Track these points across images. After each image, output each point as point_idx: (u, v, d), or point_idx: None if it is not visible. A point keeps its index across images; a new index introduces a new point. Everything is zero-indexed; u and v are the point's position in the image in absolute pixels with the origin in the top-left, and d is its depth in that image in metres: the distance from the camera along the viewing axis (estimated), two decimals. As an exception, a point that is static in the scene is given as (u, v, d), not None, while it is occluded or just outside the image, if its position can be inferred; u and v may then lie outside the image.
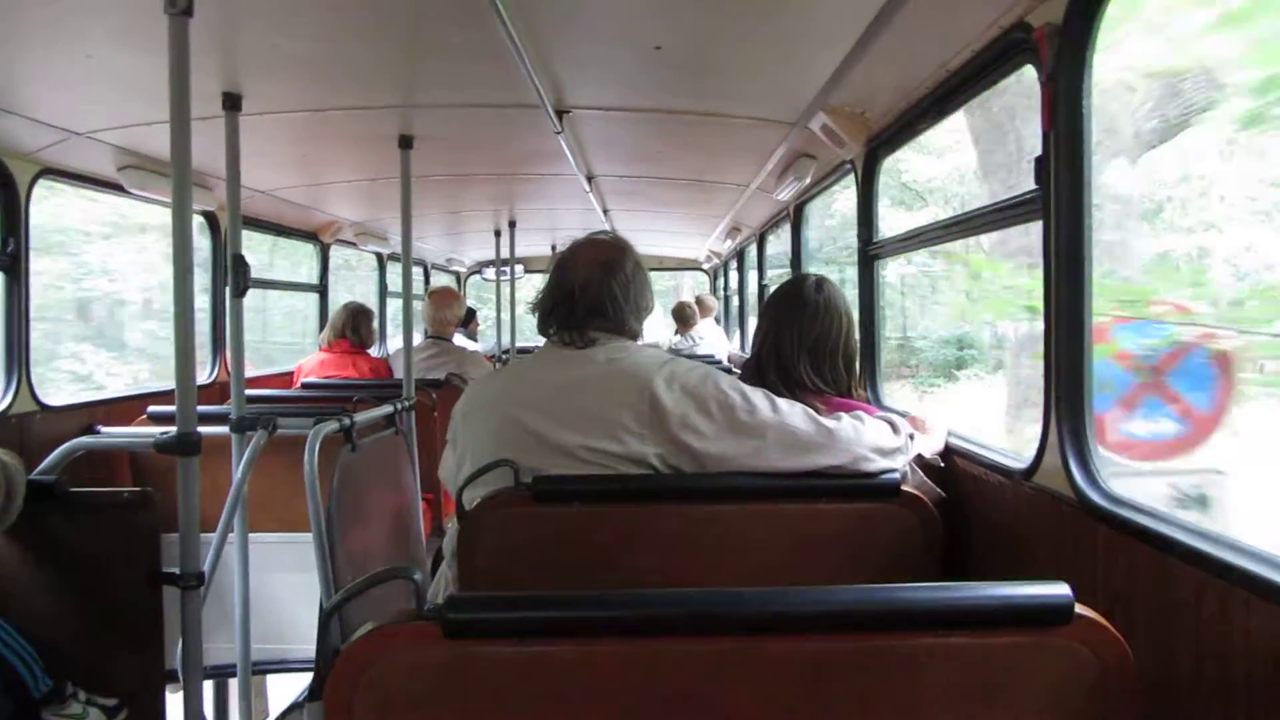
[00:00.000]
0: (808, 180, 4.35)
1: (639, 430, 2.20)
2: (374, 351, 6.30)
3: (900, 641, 1.34)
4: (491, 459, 2.23)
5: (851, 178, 3.87)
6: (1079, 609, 1.30)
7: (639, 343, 2.43)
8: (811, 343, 2.70)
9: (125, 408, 4.22)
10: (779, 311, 2.78)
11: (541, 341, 2.47)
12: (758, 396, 2.25)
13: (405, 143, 3.91)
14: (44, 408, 3.81)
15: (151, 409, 4.00)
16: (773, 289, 3.03)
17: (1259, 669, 1.47)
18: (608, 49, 2.93)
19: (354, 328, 5.85)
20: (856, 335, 2.82)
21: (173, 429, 2.34)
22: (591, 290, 2.34)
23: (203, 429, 2.37)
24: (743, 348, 8.76)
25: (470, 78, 3.12)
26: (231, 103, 3.15)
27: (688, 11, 2.59)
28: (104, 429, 3.78)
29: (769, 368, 2.73)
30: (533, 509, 2.16)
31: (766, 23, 2.63)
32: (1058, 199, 2.05)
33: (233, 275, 3.12)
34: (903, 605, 1.35)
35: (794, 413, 2.26)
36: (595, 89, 3.39)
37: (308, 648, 3.51)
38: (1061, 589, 1.31)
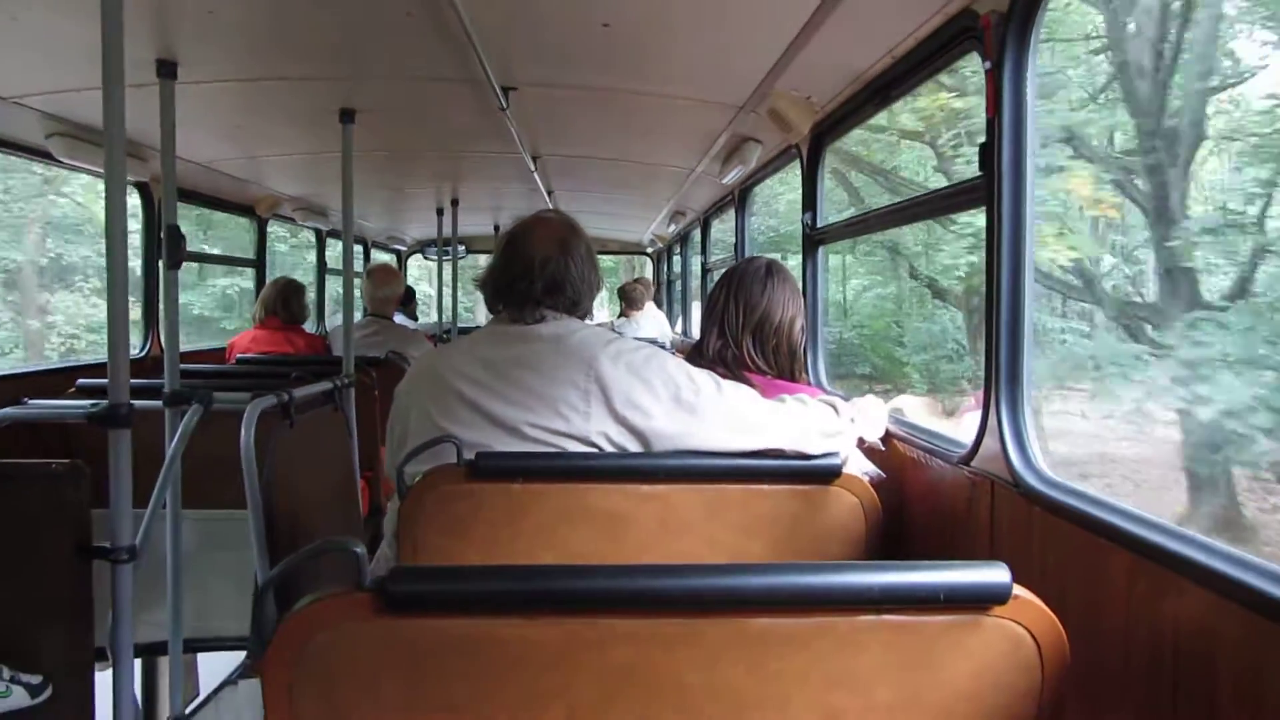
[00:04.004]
0: (753, 164, 4.37)
1: (584, 408, 2.19)
2: (310, 328, 6.20)
3: (842, 619, 1.35)
4: (434, 435, 2.21)
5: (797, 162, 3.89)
6: (1016, 590, 1.33)
7: (584, 322, 2.43)
8: (756, 322, 2.72)
9: (54, 380, 4.10)
10: (726, 290, 2.79)
11: (480, 322, 2.46)
12: (702, 377, 2.26)
13: (346, 116, 3.84)
14: None
15: (81, 381, 3.90)
16: (716, 274, 3.04)
17: (1187, 649, 1.52)
18: (555, 25, 2.90)
19: (284, 303, 5.73)
20: (802, 323, 2.84)
21: (104, 401, 2.28)
22: (550, 268, 2.32)
23: (135, 403, 2.32)
24: (685, 332, 8.78)
25: (415, 50, 3.08)
26: (167, 70, 3.06)
27: None
28: (32, 401, 3.67)
29: (711, 345, 2.76)
30: (474, 486, 2.14)
31: (714, 5, 2.63)
32: (1000, 186, 2.08)
33: (167, 247, 3.04)
34: (845, 584, 1.37)
35: (738, 394, 2.27)
36: (541, 66, 3.36)
37: (240, 625, 3.45)
38: (1000, 570, 1.34)
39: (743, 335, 2.72)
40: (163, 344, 3.24)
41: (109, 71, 2.24)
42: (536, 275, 2.32)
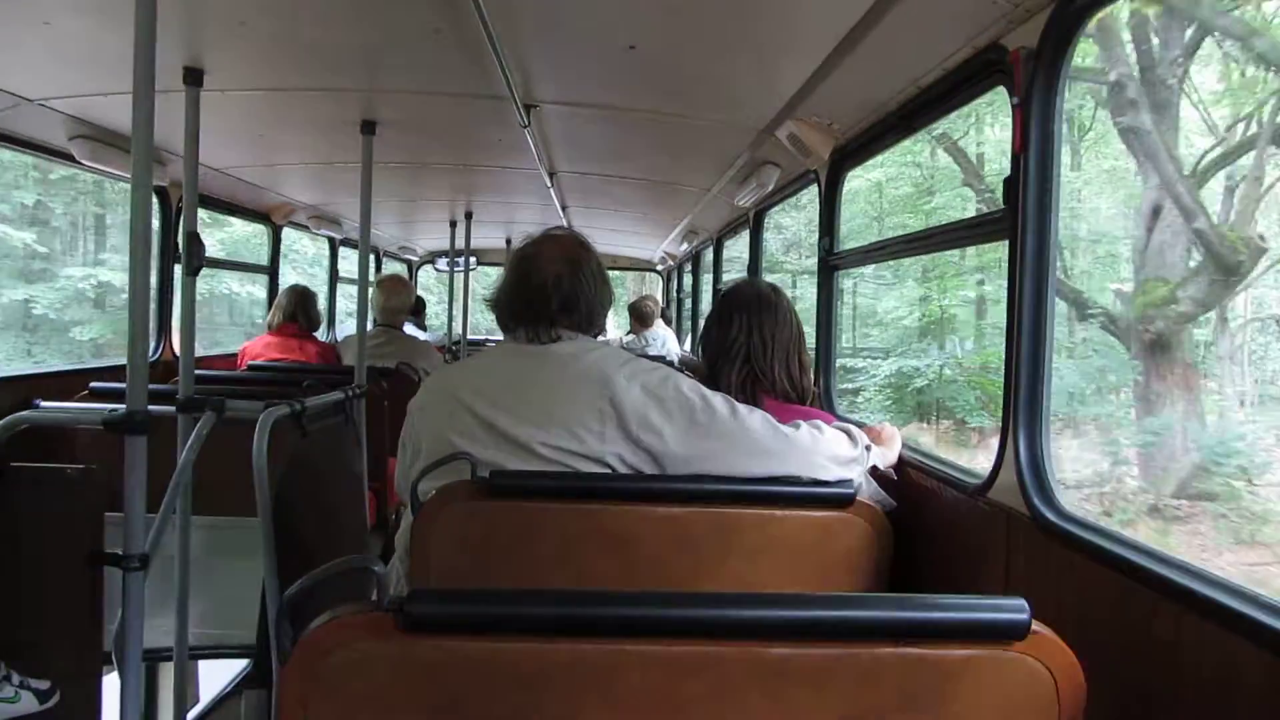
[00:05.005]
0: (770, 187, 4.37)
1: (598, 429, 2.19)
2: (321, 336, 6.21)
3: (859, 651, 1.35)
4: (448, 451, 2.21)
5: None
6: (1035, 626, 1.33)
7: (598, 340, 2.43)
8: (785, 348, 2.70)
9: (65, 382, 4.11)
10: (750, 315, 2.72)
11: (490, 334, 2.47)
12: (718, 400, 2.26)
13: (368, 128, 3.86)
14: None
15: (95, 385, 3.90)
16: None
17: (1208, 690, 1.51)
18: (581, 45, 2.92)
19: (304, 310, 5.76)
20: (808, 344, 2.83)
21: (117, 406, 2.28)
22: (564, 287, 2.33)
23: (150, 408, 2.32)
24: (694, 351, 8.77)
25: (439, 64, 3.09)
26: (193, 78, 3.08)
27: (664, 14, 2.59)
28: (45, 404, 3.67)
29: (735, 371, 2.69)
30: (488, 504, 2.14)
31: (741, 30, 2.64)
32: (1025, 220, 2.08)
33: (186, 253, 3.04)
34: (863, 616, 1.37)
35: (753, 418, 2.26)
36: (565, 84, 3.38)
37: (244, 633, 3.44)
38: (1019, 605, 1.33)
39: (773, 362, 2.68)
40: (176, 350, 3.24)
41: (139, 78, 2.25)
42: (551, 294, 2.33)
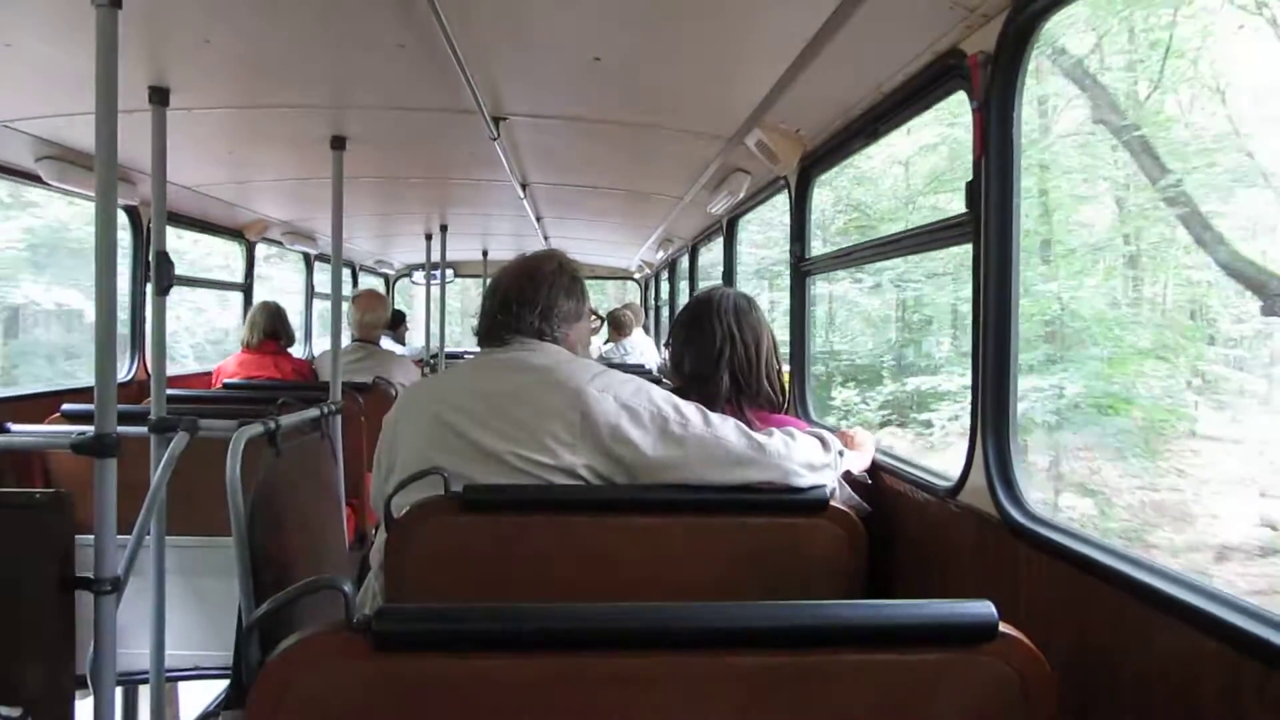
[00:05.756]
0: (741, 194, 4.39)
1: (570, 440, 2.19)
2: (296, 353, 6.18)
3: (828, 658, 1.36)
4: (422, 465, 2.21)
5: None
6: (1002, 627, 1.34)
7: (570, 353, 2.43)
8: (765, 357, 2.70)
9: (35, 406, 4.07)
10: (733, 325, 2.70)
11: (469, 349, 2.51)
12: (690, 410, 2.26)
13: (338, 143, 3.85)
14: None
15: (66, 407, 3.87)
16: None
17: (1173, 688, 1.52)
18: (547, 57, 2.92)
19: (280, 327, 5.74)
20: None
21: (88, 428, 2.27)
22: (513, 292, 2.43)
23: (121, 429, 2.30)
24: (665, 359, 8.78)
25: (406, 80, 3.09)
26: (159, 97, 3.07)
27: (627, 25, 2.60)
28: (14, 427, 3.65)
29: (722, 381, 2.67)
30: (462, 518, 2.14)
31: (705, 38, 2.65)
32: (987, 223, 2.10)
33: (156, 272, 3.03)
34: (831, 622, 1.37)
35: (726, 427, 2.27)
36: (532, 97, 3.38)
37: (223, 654, 3.42)
38: (985, 607, 1.34)
39: (760, 372, 2.68)
40: (149, 369, 3.22)
41: (103, 99, 2.24)
42: (509, 299, 2.42)
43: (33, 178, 3.98)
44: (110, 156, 2.27)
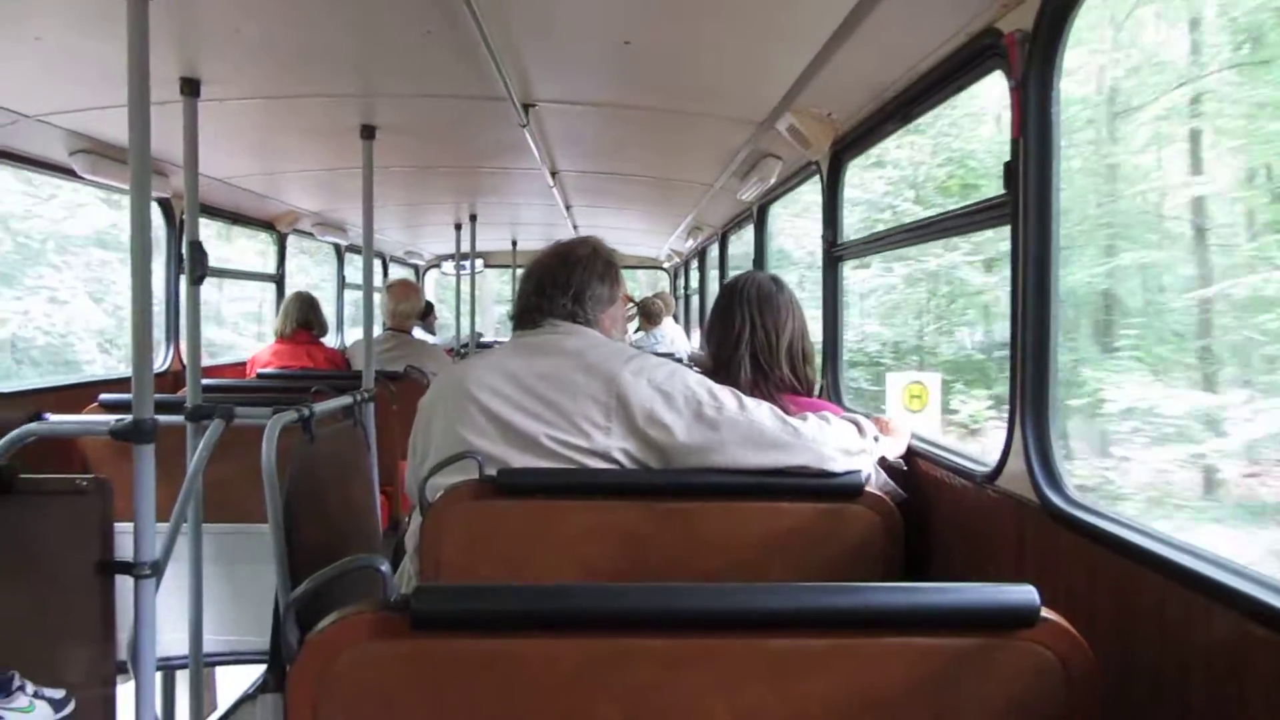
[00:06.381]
0: (772, 180, 4.36)
1: (605, 424, 2.20)
2: (328, 342, 6.23)
3: (867, 641, 1.35)
4: (456, 448, 2.22)
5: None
6: (1044, 612, 1.32)
7: (604, 337, 2.43)
8: (789, 341, 2.70)
9: (73, 395, 4.13)
10: (751, 309, 2.72)
11: (499, 337, 2.52)
12: (725, 394, 2.26)
13: (367, 133, 3.86)
14: None
15: (104, 396, 3.92)
16: None
17: (1218, 677, 1.50)
18: (577, 43, 2.91)
19: (315, 316, 5.79)
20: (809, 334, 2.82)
21: (125, 416, 2.29)
22: (548, 275, 2.44)
23: (158, 417, 2.33)
24: (702, 346, 8.76)
25: (436, 67, 3.09)
26: (190, 88, 3.08)
27: (658, 8, 2.58)
28: (53, 416, 3.70)
29: (743, 366, 2.69)
30: (496, 502, 2.15)
31: (736, 23, 2.63)
32: (1026, 204, 2.06)
33: (190, 262, 3.06)
34: (870, 605, 1.36)
35: (761, 411, 2.26)
36: (562, 83, 3.37)
37: (259, 639, 3.46)
38: (1027, 592, 1.33)
39: (779, 357, 2.68)
40: (184, 359, 3.26)
41: (136, 91, 2.26)
42: (542, 281, 2.44)
43: (67, 171, 4.02)
44: (144, 149, 2.28)
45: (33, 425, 2.70)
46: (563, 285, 2.41)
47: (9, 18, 2.52)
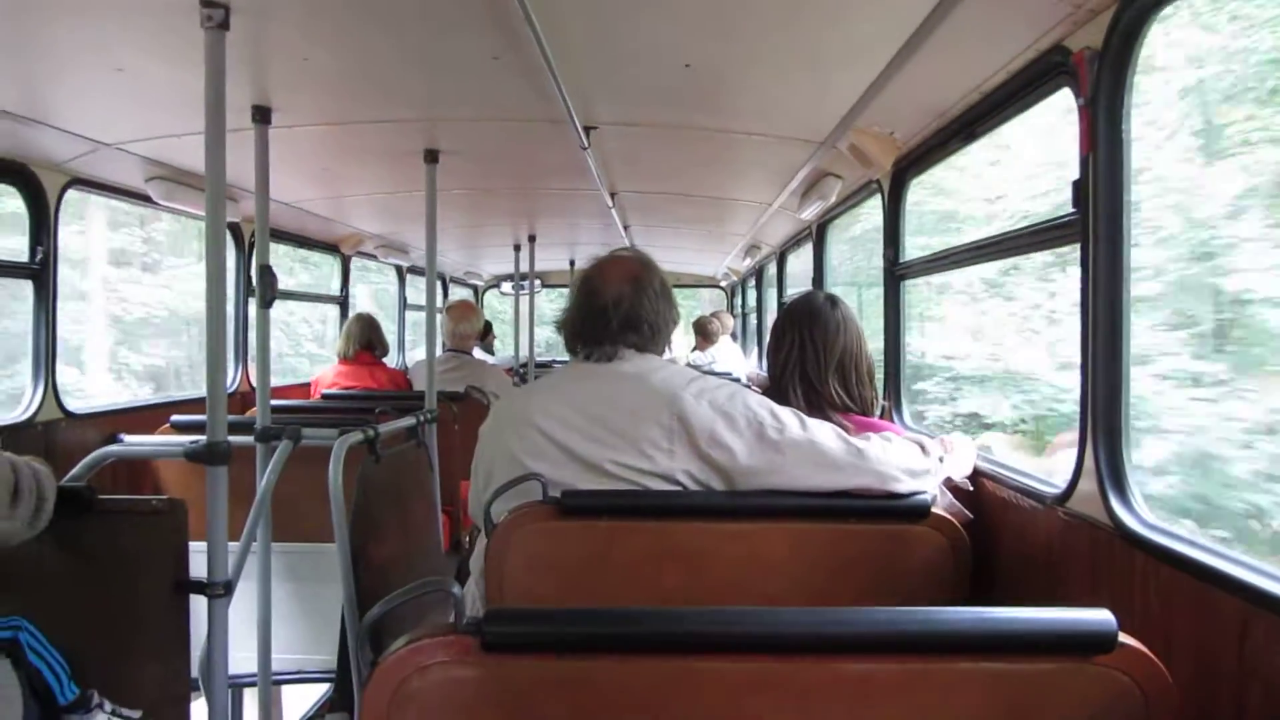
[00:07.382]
0: (832, 199, 4.34)
1: (667, 446, 2.19)
2: (389, 362, 6.31)
3: (941, 665, 1.33)
4: (519, 473, 2.23)
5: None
6: (1122, 637, 1.30)
7: (664, 359, 2.43)
8: (838, 360, 2.68)
9: (147, 416, 4.24)
10: (801, 328, 2.72)
11: (557, 357, 2.50)
12: (787, 414, 2.25)
13: (431, 157, 3.92)
14: (69, 415, 3.84)
15: (175, 418, 4.01)
16: None
17: None
18: (638, 65, 2.93)
19: (376, 337, 5.87)
20: (870, 353, 2.80)
21: (198, 438, 2.34)
22: (624, 306, 2.35)
23: (230, 439, 2.38)
24: (760, 366, 8.74)
25: (499, 91, 3.13)
26: (261, 115, 3.16)
27: (719, 31, 2.59)
28: (128, 437, 3.79)
29: (794, 386, 2.69)
30: (560, 524, 2.16)
31: (797, 42, 2.63)
32: (1096, 223, 2.04)
33: (260, 286, 3.13)
34: (946, 629, 1.35)
35: (823, 431, 2.25)
36: (623, 105, 3.40)
37: (324, 658, 3.50)
38: (1105, 616, 1.30)
39: (827, 376, 2.67)
40: (253, 381, 3.32)
41: (212, 119, 2.32)
42: (611, 313, 2.35)
43: (142, 197, 4.14)
44: (219, 176, 2.35)
45: (112, 447, 2.77)
46: (630, 311, 2.35)
47: (94, 50, 2.60)
